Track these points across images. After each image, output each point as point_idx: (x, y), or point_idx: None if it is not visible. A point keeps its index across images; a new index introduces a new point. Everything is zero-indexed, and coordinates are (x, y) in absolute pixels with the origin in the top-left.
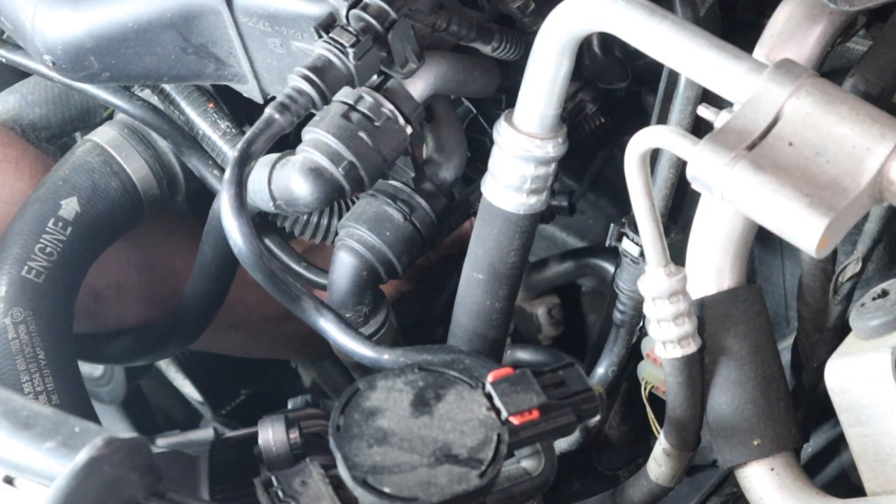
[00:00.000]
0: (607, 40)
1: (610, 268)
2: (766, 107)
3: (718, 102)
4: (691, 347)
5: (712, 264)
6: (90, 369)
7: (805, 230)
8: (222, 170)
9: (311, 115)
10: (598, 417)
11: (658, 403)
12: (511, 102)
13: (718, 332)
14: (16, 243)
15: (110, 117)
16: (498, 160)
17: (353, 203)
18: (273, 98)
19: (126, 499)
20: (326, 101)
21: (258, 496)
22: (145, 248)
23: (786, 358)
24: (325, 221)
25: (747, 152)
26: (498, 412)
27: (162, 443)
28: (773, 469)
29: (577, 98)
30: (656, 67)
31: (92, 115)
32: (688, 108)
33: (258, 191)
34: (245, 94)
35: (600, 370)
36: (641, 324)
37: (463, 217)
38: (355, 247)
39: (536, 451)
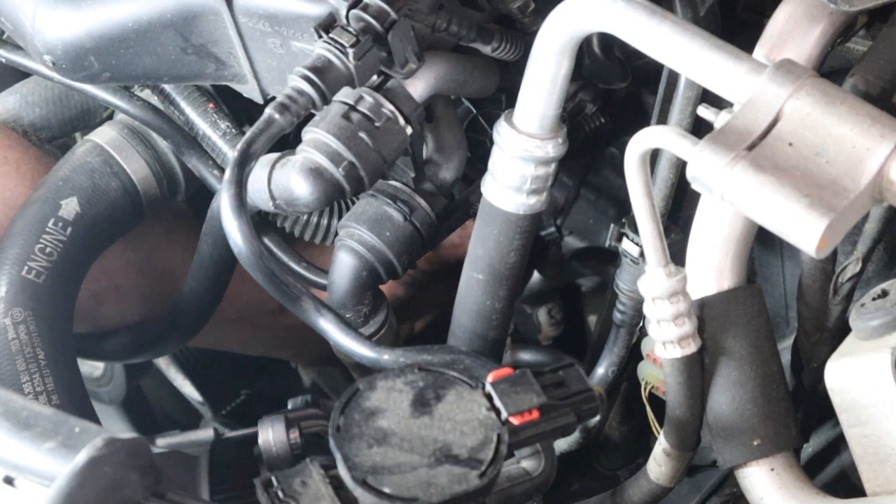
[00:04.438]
0: (607, 40)
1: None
2: (766, 107)
3: (718, 102)
4: (691, 348)
5: (712, 264)
6: (90, 369)
7: (805, 230)
8: (222, 170)
9: (311, 116)
10: (598, 417)
11: (658, 403)
12: (511, 102)
13: (718, 332)
14: (16, 243)
15: (110, 117)
16: (498, 160)
17: (353, 203)
18: (273, 98)
19: (126, 499)
20: (326, 101)
21: (258, 496)
22: (144, 249)
23: (786, 358)
24: (325, 221)
25: (747, 152)
26: (498, 412)
27: (162, 443)
28: (773, 469)
29: (577, 98)
30: (656, 67)
31: (92, 116)
32: (688, 108)
33: (258, 190)
34: (245, 94)
35: (600, 370)
36: (641, 324)
37: (463, 217)
38: (355, 247)
39: (536, 451)
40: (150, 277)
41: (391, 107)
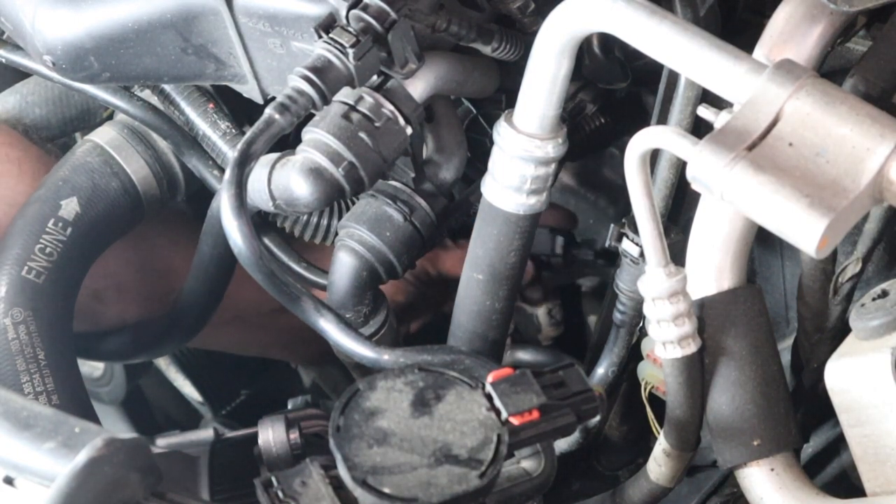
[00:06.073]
0: (607, 40)
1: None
2: (766, 107)
3: (718, 102)
4: (691, 348)
5: (712, 264)
6: (90, 369)
7: (805, 230)
8: (222, 170)
9: (311, 116)
10: (598, 418)
11: (658, 403)
12: (511, 102)
13: (718, 333)
14: (16, 243)
15: (110, 117)
16: (498, 160)
17: (353, 203)
18: (273, 98)
19: (126, 499)
20: (326, 101)
21: (258, 496)
22: (144, 248)
23: (786, 358)
24: (325, 222)
25: (747, 153)
26: (498, 412)
27: (162, 443)
28: (773, 469)
29: (577, 98)
30: (656, 67)
31: (92, 116)
32: (688, 109)
33: (258, 191)
34: (245, 95)
35: (600, 370)
36: (641, 324)
37: (463, 217)
38: (355, 247)
39: (536, 451)
40: (149, 277)
41: (391, 107)
